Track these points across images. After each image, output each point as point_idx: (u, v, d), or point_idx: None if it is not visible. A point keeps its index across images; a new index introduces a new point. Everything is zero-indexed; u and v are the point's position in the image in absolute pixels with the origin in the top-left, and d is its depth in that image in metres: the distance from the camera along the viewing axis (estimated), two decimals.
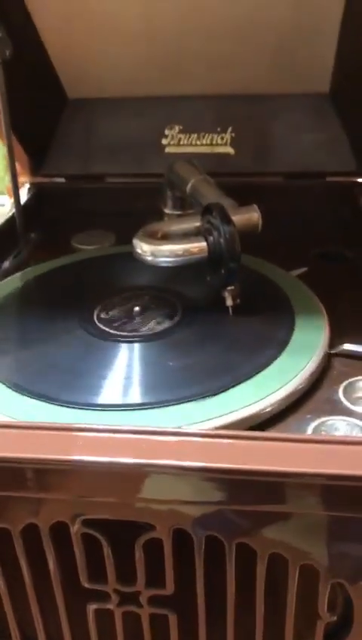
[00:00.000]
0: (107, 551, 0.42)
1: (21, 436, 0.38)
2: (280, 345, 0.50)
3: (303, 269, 0.64)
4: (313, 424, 0.44)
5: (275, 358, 0.48)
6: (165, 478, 0.37)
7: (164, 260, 0.53)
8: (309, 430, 0.44)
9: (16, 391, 0.46)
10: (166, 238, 0.56)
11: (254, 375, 0.46)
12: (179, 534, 0.40)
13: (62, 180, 0.85)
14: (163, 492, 0.38)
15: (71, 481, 0.38)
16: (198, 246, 0.52)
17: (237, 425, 0.43)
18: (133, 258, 0.57)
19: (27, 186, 0.84)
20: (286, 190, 0.82)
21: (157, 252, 0.53)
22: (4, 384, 0.47)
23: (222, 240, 0.51)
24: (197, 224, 0.57)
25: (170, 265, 0.54)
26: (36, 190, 0.84)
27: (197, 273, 0.56)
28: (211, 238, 0.52)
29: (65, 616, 0.46)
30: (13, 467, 0.37)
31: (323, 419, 0.45)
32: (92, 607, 0.45)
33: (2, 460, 0.37)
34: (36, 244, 0.77)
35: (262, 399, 0.44)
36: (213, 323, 0.54)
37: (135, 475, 0.37)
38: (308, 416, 0.45)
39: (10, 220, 0.75)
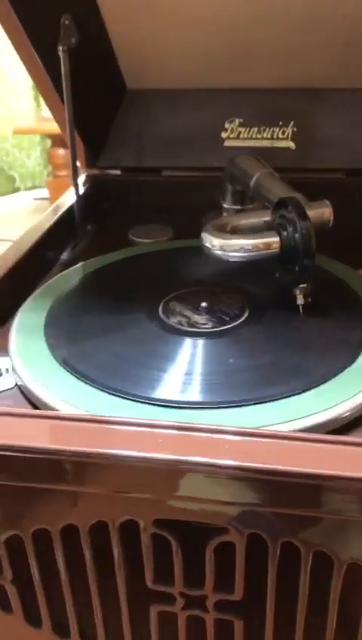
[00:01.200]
0: (176, 552, 0.41)
1: (88, 429, 0.37)
2: (354, 347, 0.48)
3: None
4: None
5: (352, 360, 0.46)
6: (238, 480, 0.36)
7: (233, 255, 0.52)
8: None
9: (79, 378, 0.45)
10: (235, 232, 0.54)
11: (331, 378, 0.44)
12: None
13: (118, 172, 0.84)
14: (233, 495, 0.36)
15: (149, 478, 0.37)
16: (271, 241, 0.51)
17: (315, 429, 0.41)
18: (197, 252, 0.55)
19: (83, 177, 0.84)
20: (346, 187, 0.79)
21: (226, 246, 0.51)
22: (69, 372, 0.46)
23: (297, 235, 0.49)
24: (267, 218, 0.55)
25: (239, 260, 0.52)
26: (92, 182, 0.83)
27: (263, 270, 0.54)
28: (285, 233, 0.50)
29: (127, 616, 0.45)
30: (81, 461, 0.36)
31: None
32: (156, 609, 0.44)
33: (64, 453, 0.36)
34: (93, 237, 0.76)
35: (339, 404, 0.42)
36: (284, 322, 0.52)
37: (205, 475, 0.36)
38: None
39: (68, 212, 0.74)
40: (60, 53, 0.65)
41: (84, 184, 0.83)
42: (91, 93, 0.78)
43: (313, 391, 0.43)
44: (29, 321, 0.52)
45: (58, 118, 0.74)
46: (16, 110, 3.12)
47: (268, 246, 0.50)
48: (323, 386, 0.43)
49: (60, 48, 0.65)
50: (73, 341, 0.50)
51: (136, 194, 0.83)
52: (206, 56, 0.76)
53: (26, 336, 0.50)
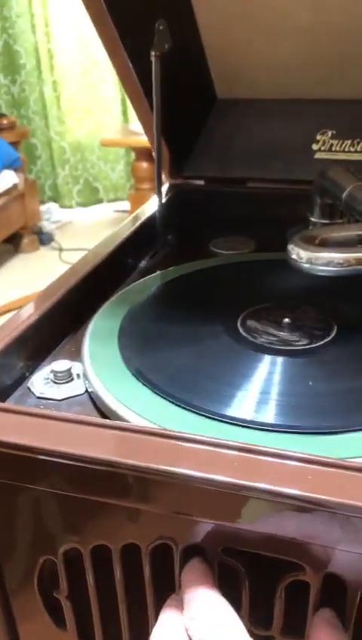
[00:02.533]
0: (245, 585, 0.37)
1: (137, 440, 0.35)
2: None
3: None
4: None
5: None
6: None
7: (321, 269, 0.48)
8: None
9: (151, 390, 0.43)
10: (324, 245, 0.51)
11: None
12: None
13: (202, 182, 0.82)
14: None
15: (210, 501, 0.34)
16: None
17: None
18: (281, 266, 0.52)
19: (166, 186, 0.82)
20: None
21: (314, 259, 0.48)
22: (140, 382, 0.44)
23: None
24: (360, 232, 0.51)
25: (327, 275, 0.48)
26: (175, 191, 0.82)
27: (354, 286, 0.51)
28: None
29: None
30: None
31: None
32: None
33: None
34: (172, 246, 0.74)
35: None
36: None
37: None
38: None
39: (149, 220, 0.73)
40: (153, 59, 0.64)
41: (167, 193, 0.82)
42: (181, 101, 0.77)
43: None
44: (103, 328, 0.51)
45: (145, 125, 0.74)
46: (105, 124, 3.20)
47: (359, 261, 0.47)
48: None
49: (153, 54, 0.64)
50: (147, 350, 0.48)
51: (220, 205, 0.81)
52: (300, 67, 0.74)
53: (99, 342, 0.49)
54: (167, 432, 0.36)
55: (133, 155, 2.75)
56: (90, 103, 3.20)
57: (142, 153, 2.52)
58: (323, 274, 0.48)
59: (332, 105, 0.77)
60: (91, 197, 3.45)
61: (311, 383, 0.45)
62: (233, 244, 0.72)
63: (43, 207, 3.17)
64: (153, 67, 0.64)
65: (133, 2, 0.62)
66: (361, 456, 0.37)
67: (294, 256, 0.49)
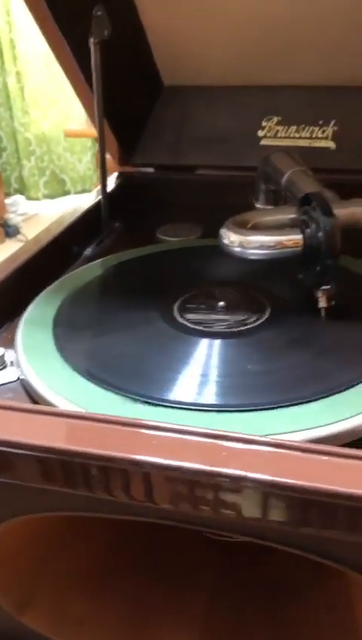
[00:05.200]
0: None
1: (93, 429, 0.35)
2: None
3: None
4: None
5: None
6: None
7: (253, 253, 0.49)
8: None
9: (88, 379, 0.43)
10: (257, 229, 0.51)
11: (353, 386, 0.41)
12: None
13: (152, 170, 0.82)
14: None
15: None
16: (292, 239, 0.48)
17: (339, 438, 0.37)
18: (220, 252, 0.53)
19: (115, 174, 0.82)
20: None
21: (246, 243, 0.49)
22: (77, 372, 0.44)
23: (320, 233, 0.46)
24: (293, 216, 0.52)
25: (259, 258, 0.49)
26: (124, 179, 0.82)
27: (289, 269, 0.51)
28: (308, 231, 0.47)
29: None
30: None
31: None
32: None
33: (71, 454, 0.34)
34: (120, 234, 0.74)
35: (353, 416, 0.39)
36: (305, 325, 0.49)
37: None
38: None
39: (95, 207, 0.73)
40: (91, 46, 0.63)
41: (116, 180, 0.82)
42: (126, 89, 0.77)
43: (327, 400, 0.40)
44: (38, 315, 0.51)
45: (89, 113, 0.73)
46: (70, 115, 3.17)
47: (288, 244, 0.47)
48: (337, 396, 0.40)
49: (91, 40, 0.63)
50: (81, 338, 0.48)
51: (169, 192, 0.81)
52: (244, 53, 0.74)
53: (33, 330, 0.49)
54: (95, 416, 0.36)
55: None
56: (55, 94, 3.16)
57: None
58: (254, 257, 0.49)
59: (277, 91, 0.77)
60: (58, 189, 3.42)
61: (249, 367, 0.45)
62: (180, 231, 0.72)
63: (9, 200, 3.13)
64: (92, 55, 0.64)
65: None
66: (286, 432, 0.37)
67: (226, 241, 0.50)
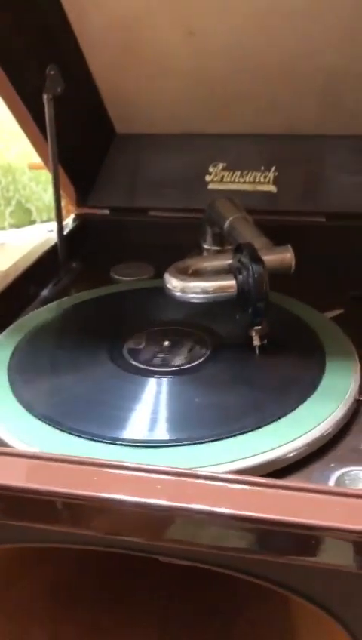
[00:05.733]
0: None
1: (51, 468, 0.38)
2: (307, 388, 0.49)
3: (338, 312, 0.63)
4: (337, 473, 0.43)
5: (302, 402, 0.47)
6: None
7: (193, 297, 0.53)
8: (332, 480, 0.43)
9: (42, 421, 0.46)
10: (197, 274, 0.56)
11: (277, 419, 0.45)
12: None
13: (107, 211, 0.87)
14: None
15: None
16: (227, 284, 0.52)
17: (258, 469, 0.42)
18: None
19: (72, 216, 0.87)
20: (327, 231, 0.81)
21: (186, 288, 0.53)
22: (32, 414, 0.47)
23: (250, 279, 0.51)
24: (229, 261, 0.57)
25: (199, 301, 0.54)
26: (81, 220, 0.86)
27: (228, 310, 0.56)
28: (240, 277, 0.52)
29: None
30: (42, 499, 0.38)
31: (347, 469, 0.43)
32: None
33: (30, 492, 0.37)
34: (77, 274, 0.78)
35: (284, 444, 0.43)
36: (242, 362, 0.53)
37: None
38: (332, 464, 0.44)
39: (53, 249, 0.77)
40: (45, 102, 0.68)
41: (73, 222, 0.86)
42: (80, 137, 0.81)
43: (257, 431, 0.44)
44: None
45: (45, 161, 0.77)
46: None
47: (224, 289, 0.52)
48: (266, 427, 0.44)
49: (45, 97, 0.68)
50: (35, 380, 0.52)
51: (124, 233, 0.86)
52: (191, 103, 0.80)
53: None
54: (47, 455, 0.39)
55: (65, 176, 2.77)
56: (18, 128, 3.21)
57: None
58: (195, 301, 0.54)
59: (223, 139, 0.83)
60: (24, 218, 3.44)
61: (196, 400, 0.49)
62: (133, 271, 0.77)
63: None
64: (46, 109, 0.68)
65: (21, 50, 0.66)
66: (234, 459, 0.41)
67: (169, 286, 0.54)
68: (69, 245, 0.78)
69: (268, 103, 0.77)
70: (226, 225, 0.66)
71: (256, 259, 0.50)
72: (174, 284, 0.54)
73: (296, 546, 0.35)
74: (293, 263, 0.57)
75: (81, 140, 0.82)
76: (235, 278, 0.52)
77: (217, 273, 0.56)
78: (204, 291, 0.53)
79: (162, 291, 0.59)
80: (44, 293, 0.72)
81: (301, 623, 0.55)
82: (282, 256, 0.56)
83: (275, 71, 0.73)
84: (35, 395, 0.49)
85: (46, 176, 3.42)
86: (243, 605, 0.59)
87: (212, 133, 0.82)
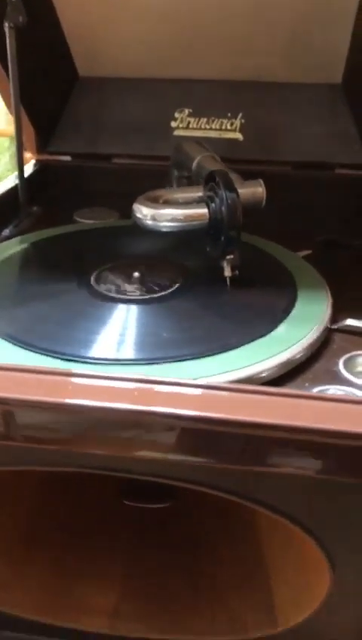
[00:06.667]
0: None
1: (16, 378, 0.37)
2: (279, 316, 0.48)
3: (307, 252, 0.63)
4: (313, 390, 0.43)
5: (273, 328, 0.47)
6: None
7: (164, 225, 0.52)
8: None
9: (10, 342, 0.44)
10: (167, 204, 0.54)
11: (249, 342, 0.45)
12: None
13: (69, 158, 0.84)
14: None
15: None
16: (199, 212, 0.51)
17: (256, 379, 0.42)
18: (135, 231, 0.55)
19: (33, 162, 0.84)
20: (293, 180, 0.81)
21: (157, 216, 0.52)
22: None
23: (223, 207, 0.50)
24: (200, 194, 0.55)
25: (169, 230, 0.52)
26: (41, 167, 0.83)
27: (196, 245, 0.55)
28: (213, 205, 0.51)
29: None
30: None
31: (322, 387, 0.43)
32: None
33: None
34: (38, 218, 0.75)
35: (255, 363, 0.43)
36: (212, 293, 0.52)
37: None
38: (307, 384, 0.44)
39: (13, 190, 0.74)
40: (6, 29, 0.65)
41: (33, 168, 0.83)
42: (42, 78, 0.78)
43: (229, 353, 0.43)
44: None
45: (6, 99, 0.74)
46: None
47: (196, 217, 0.51)
48: (237, 349, 0.44)
49: (6, 25, 0.65)
50: (4, 310, 0.49)
51: (86, 180, 0.83)
52: (157, 46, 0.77)
53: None
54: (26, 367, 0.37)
55: None
56: None
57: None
58: (165, 229, 0.52)
59: (189, 84, 0.81)
60: None
61: (164, 335, 0.48)
62: (97, 215, 0.75)
63: None
64: (7, 39, 0.65)
65: None
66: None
67: (139, 215, 0.53)
68: (29, 190, 0.75)
69: (235, 46, 0.76)
70: (194, 165, 0.65)
71: (229, 186, 0.49)
72: (144, 212, 0.52)
73: (257, 453, 0.35)
74: (264, 197, 0.56)
75: (42, 81, 0.78)
76: (207, 206, 0.51)
77: (188, 204, 0.54)
78: (175, 219, 0.51)
79: (129, 230, 0.58)
80: (5, 233, 0.69)
81: (269, 554, 0.55)
82: (253, 190, 0.55)
83: (241, 10, 0.71)
84: (4, 320, 0.47)
85: None
86: (210, 545, 0.59)
87: (178, 78, 0.80)
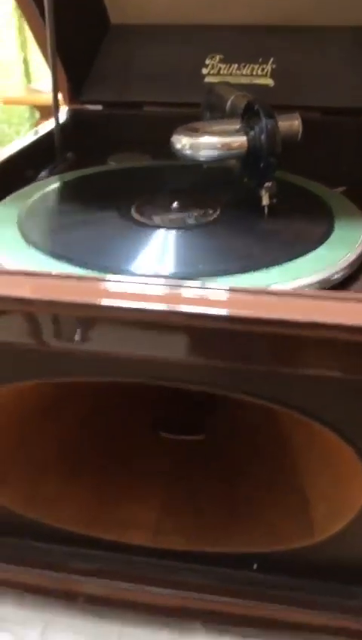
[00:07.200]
0: None
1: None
2: (318, 239, 0.50)
3: (342, 188, 0.64)
4: None
5: (313, 249, 0.48)
6: None
7: (203, 154, 0.53)
8: None
9: (54, 258, 0.46)
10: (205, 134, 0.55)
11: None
12: None
13: (100, 107, 0.85)
14: None
15: None
16: (238, 140, 0.52)
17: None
18: (170, 170, 0.56)
19: (66, 110, 0.85)
20: (323, 126, 0.81)
21: (196, 145, 0.53)
22: (44, 253, 0.47)
23: (263, 135, 0.51)
24: (238, 126, 0.56)
25: (208, 159, 0.53)
26: (73, 116, 0.84)
27: (233, 181, 0.55)
28: (251, 134, 0.52)
29: None
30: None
31: None
32: None
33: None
34: (72, 163, 0.77)
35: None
36: (253, 219, 0.53)
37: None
38: None
39: (47, 137, 0.75)
40: None
41: (65, 117, 0.84)
42: (74, 27, 0.79)
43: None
44: (2, 215, 0.53)
45: (42, 47, 0.75)
46: (6, 86, 3.11)
47: (235, 145, 0.52)
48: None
49: None
50: (47, 232, 0.51)
51: (118, 128, 0.84)
52: None
53: None
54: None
55: (37, 115, 2.69)
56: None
57: (47, 112, 2.47)
58: (205, 159, 0.53)
59: (220, 30, 0.81)
60: None
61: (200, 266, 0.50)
62: (130, 160, 0.76)
63: None
64: None
65: None
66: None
67: (178, 145, 0.54)
68: (62, 137, 0.76)
69: None
70: (228, 105, 0.66)
71: (268, 113, 0.50)
72: (183, 141, 0.53)
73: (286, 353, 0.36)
74: (301, 130, 0.57)
75: (74, 30, 0.79)
76: (246, 134, 0.52)
77: (227, 133, 0.55)
78: (214, 147, 0.52)
79: (164, 170, 0.59)
80: (41, 176, 0.71)
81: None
82: (290, 123, 0.56)
83: None
84: (47, 240, 0.49)
85: (18, 117, 3.32)
86: (245, 472, 0.61)
87: (209, 24, 0.81)
